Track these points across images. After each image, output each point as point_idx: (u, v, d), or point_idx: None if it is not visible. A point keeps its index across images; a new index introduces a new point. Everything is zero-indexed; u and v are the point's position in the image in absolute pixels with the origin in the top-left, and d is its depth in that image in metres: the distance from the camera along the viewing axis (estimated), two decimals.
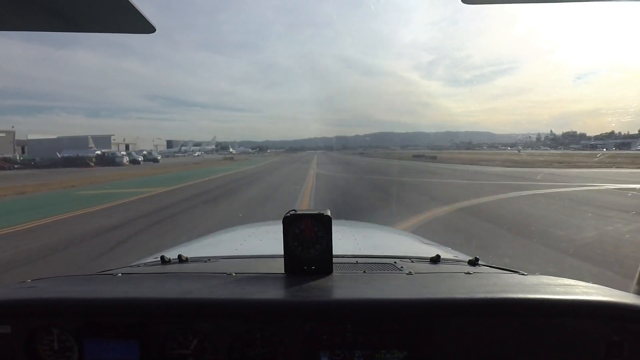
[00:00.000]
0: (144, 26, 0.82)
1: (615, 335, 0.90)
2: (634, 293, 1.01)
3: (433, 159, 48.79)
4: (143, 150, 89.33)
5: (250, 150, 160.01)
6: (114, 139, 79.73)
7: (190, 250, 1.83)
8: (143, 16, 0.77)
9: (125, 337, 0.92)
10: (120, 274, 1.21)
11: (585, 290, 0.98)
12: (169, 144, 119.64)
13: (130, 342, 0.92)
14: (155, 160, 55.65)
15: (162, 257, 1.43)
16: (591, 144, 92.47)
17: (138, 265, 1.50)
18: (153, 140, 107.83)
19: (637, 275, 1.04)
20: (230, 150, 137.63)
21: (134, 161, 49.47)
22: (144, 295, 0.97)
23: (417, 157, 55.62)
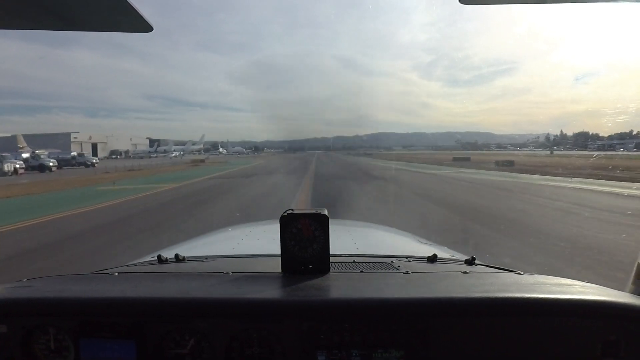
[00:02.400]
0: (141, 25, 0.81)
1: (611, 334, 0.90)
2: (630, 292, 1.01)
3: (509, 164, 29.28)
4: (118, 149, 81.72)
5: (245, 151, 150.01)
6: (75, 138, 71.57)
7: (187, 249, 1.82)
8: (140, 15, 0.77)
9: (122, 336, 0.92)
10: (116, 273, 1.21)
11: (581, 289, 0.98)
12: (153, 142, 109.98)
13: (127, 342, 0.92)
14: (88, 165, 41.41)
15: (159, 257, 1.43)
16: (609, 144, 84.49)
17: (135, 265, 1.49)
18: (131, 139, 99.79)
19: (632, 274, 1.04)
20: (220, 150, 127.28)
21: (40, 167, 34.03)
22: (141, 294, 0.98)
23: (460, 160, 40.16)
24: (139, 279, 1.14)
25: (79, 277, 1.20)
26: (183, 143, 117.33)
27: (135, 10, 0.75)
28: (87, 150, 67.91)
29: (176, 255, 1.40)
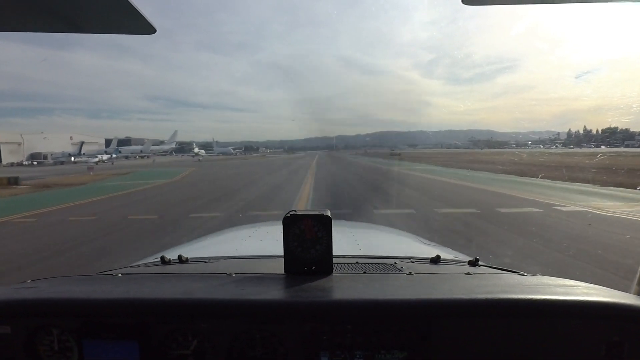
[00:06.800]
0: (144, 27, 0.81)
1: (615, 335, 0.90)
2: (634, 294, 1.01)
3: None
4: (41, 152, 66.74)
5: (232, 151, 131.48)
6: None
7: (191, 250, 1.82)
8: (143, 17, 0.77)
9: (125, 337, 0.92)
10: (120, 274, 1.22)
11: (585, 290, 0.98)
12: (109, 143, 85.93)
13: (130, 343, 0.92)
14: None
15: (162, 258, 1.43)
16: None
17: (138, 266, 1.50)
18: (72, 138, 79.16)
19: (637, 276, 1.04)
20: (196, 150, 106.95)
21: None
22: (144, 295, 0.98)
23: None
24: (142, 280, 1.14)
25: (82, 278, 1.20)
26: (141, 142, 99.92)
27: (139, 13, 0.74)
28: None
29: (179, 257, 1.40)
